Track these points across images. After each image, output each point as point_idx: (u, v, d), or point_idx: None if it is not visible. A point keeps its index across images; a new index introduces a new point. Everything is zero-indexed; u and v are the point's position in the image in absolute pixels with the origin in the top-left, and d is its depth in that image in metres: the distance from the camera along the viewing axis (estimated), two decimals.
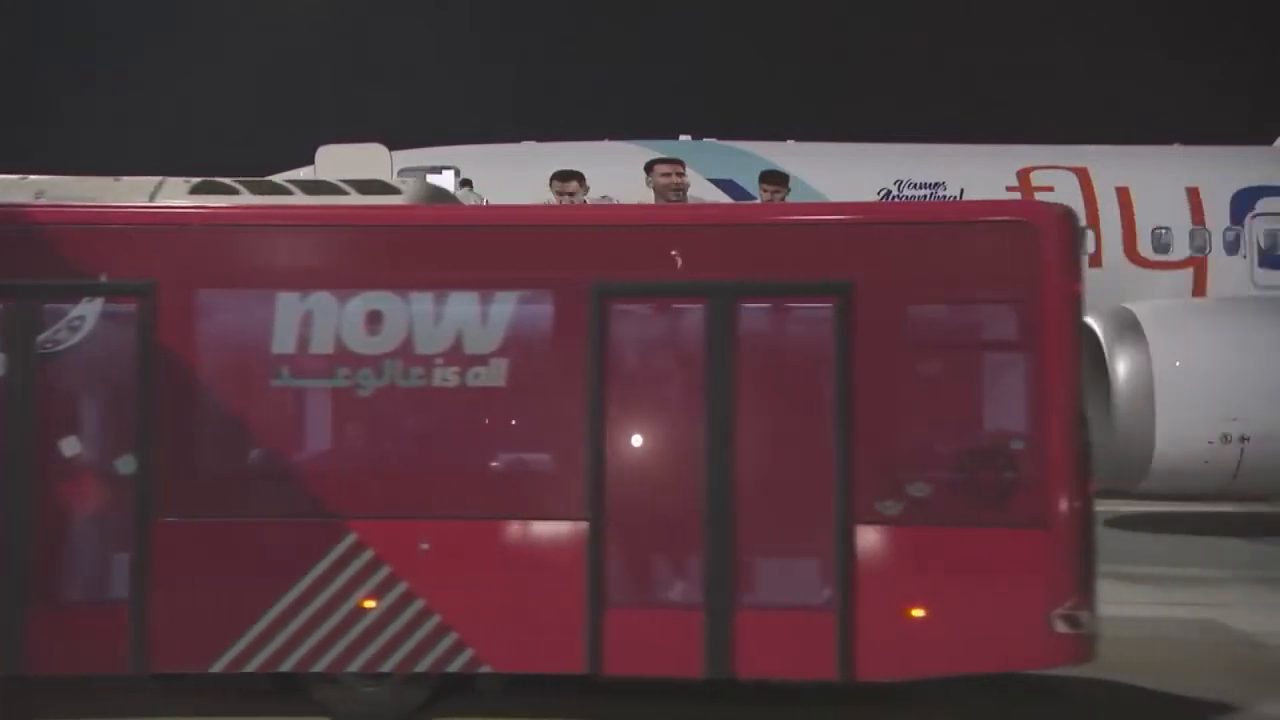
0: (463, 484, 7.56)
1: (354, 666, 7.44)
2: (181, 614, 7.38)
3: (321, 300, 7.62)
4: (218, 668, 7.43)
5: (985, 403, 7.35)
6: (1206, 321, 16.98)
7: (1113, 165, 19.01)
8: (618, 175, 19.40)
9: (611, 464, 7.31)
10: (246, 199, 8.41)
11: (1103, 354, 16.24)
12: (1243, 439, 15.59)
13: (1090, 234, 18.28)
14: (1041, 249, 7.14)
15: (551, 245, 7.76)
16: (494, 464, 7.67)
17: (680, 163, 19.31)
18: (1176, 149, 20.31)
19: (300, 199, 8.54)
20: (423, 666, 7.41)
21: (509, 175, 18.67)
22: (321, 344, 7.57)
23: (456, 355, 7.51)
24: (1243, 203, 18.61)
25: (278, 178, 18.53)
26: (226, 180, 8.74)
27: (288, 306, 7.61)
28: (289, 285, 7.68)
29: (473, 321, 7.56)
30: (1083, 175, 18.64)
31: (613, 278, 7.45)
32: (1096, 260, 18.29)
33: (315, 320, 7.60)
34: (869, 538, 7.02)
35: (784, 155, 19.25)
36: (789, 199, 19.06)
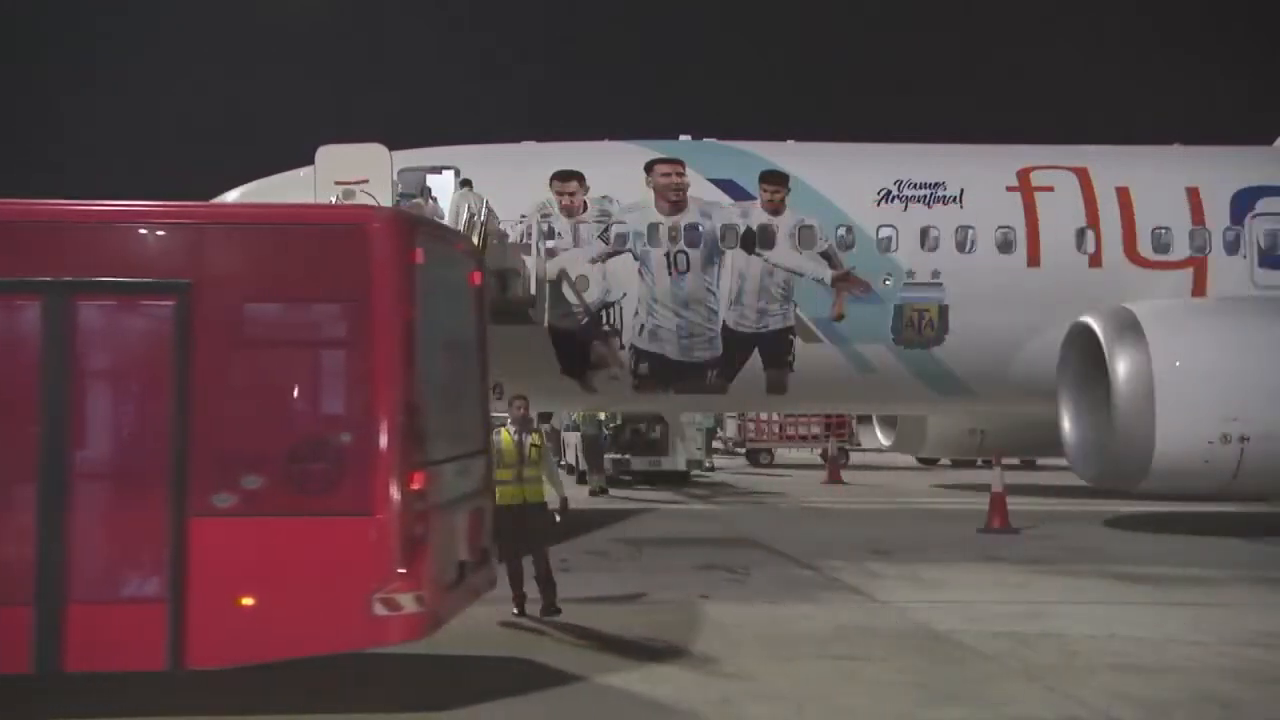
0: None
1: None
2: None
3: None
4: None
5: (318, 398, 7.69)
6: (1206, 321, 16.97)
7: (1113, 165, 19.01)
8: (618, 175, 19.51)
9: None
10: None
11: (1102, 354, 16.25)
12: (1243, 439, 15.59)
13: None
14: (372, 252, 7.47)
15: None
16: None
17: (680, 163, 19.54)
18: (1176, 149, 20.31)
19: None
20: None
21: (509, 175, 18.73)
22: None
23: None
24: (1243, 203, 18.61)
25: (276, 178, 18.73)
26: None
27: None
28: None
29: None
30: (1083, 175, 18.65)
31: None
32: (1097, 260, 18.36)
33: None
34: (202, 530, 7.16)
35: (784, 155, 19.31)
36: (789, 199, 19.27)
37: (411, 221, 7.94)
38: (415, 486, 7.22)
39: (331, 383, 7.62)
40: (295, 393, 7.61)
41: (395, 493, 7.17)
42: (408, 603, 7.18)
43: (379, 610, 7.14)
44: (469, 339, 8.81)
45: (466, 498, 8.25)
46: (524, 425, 10.67)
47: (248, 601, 7.18)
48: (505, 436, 10.48)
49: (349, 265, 7.49)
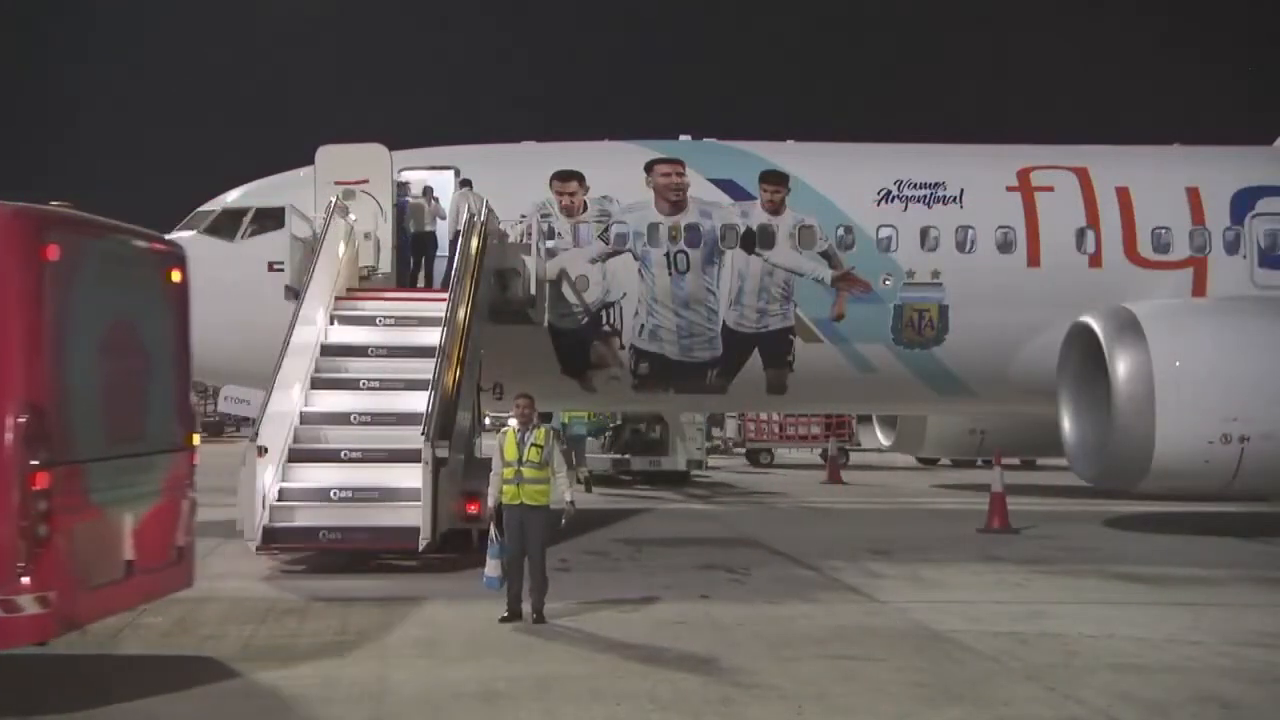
0: None
1: None
2: None
3: None
4: None
5: None
6: (1206, 321, 16.96)
7: (1113, 165, 19.02)
8: (618, 175, 19.51)
9: None
10: None
11: (1102, 354, 16.24)
12: (1243, 439, 15.58)
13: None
14: None
15: None
16: None
17: (680, 163, 19.54)
18: (1176, 149, 20.31)
19: None
20: None
21: (509, 175, 18.76)
22: None
23: None
24: (1243, 203, 18.62)
25: (276, 178, 18.73)
26: None
27: None
28: None
29: None
30: (1083, 175, 18.66)
31: None
32: (1097, 260, 18.36)
33: None
34: None
35: (784, 155, 19.32)
36: (789, 199, 19.27)
37: (38, 217, 7.58)
38: (38, 487, 7.04)
39: None
40: None
41: (14, 494, 6.99)
42: (29, 605, 7.00)
43: None
44: (157, 336, 8.60)
45: (142, 496, 8.11)
46: (527, 424, 10.50)
47: None
48: (509, 436, 10.40)
49: None
